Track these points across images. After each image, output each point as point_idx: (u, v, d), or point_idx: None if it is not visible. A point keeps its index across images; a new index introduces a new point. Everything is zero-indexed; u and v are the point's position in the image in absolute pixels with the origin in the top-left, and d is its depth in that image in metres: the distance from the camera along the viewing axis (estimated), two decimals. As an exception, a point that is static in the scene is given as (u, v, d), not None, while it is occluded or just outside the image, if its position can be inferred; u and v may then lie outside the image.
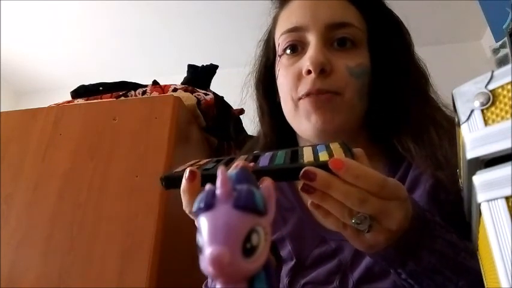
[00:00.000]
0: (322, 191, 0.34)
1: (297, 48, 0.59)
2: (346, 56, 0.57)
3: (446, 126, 0.55)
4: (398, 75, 0.60)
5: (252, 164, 0.36)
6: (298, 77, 0.57)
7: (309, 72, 0.55)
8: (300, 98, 0.57)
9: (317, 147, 0.39)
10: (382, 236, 0.37)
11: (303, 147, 0.40)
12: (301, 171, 0.33)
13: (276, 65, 0.63)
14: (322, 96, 0.54)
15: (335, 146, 0.38)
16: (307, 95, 0.55)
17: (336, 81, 0.55)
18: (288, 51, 0.60)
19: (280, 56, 0.61)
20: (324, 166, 0.33)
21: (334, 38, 0.57)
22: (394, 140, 0.58)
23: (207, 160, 0.42)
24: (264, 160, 0.37)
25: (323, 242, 0.57)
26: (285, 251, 0.59)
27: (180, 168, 0.39)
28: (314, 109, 0.55)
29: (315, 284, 0.56)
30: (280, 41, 0.61)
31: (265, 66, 0.68)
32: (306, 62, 0.55)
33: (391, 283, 0.49)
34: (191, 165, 0.41)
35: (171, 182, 0.38)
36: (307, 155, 0.37)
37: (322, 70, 0.54)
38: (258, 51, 0.71)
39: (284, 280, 0.57)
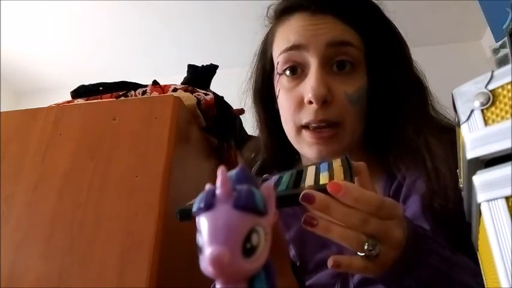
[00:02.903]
0: (325, 222, 0.35)
1: (296, 70, 0.59)
2: (346, 82, 0.57)
3: (441, 155, 0.54)
4: (394, 94, 0.60)
5: None
6: (300, 104, 0.58)
7: (310, 102, 0.56)
8: (302, 126, 0.58)
9: (320, 166, 0.40)
10: (390, 257, 0.37)
11: (307, 166, 0.41)
12: (301, 195, 0.34)
13: (275, 82, 0.64)
14: (324, 133, 0.56)
15: (337, 165, 0.38)
16: (309, 125, 0.57)
17: (336, 110, 0.56)
18: (288, 72, 0.60)
19: (279, 75, 0.62)
20: (323, 190, 0.34)
21: (334, 61, 0.57)
22: (389, 160, 0.59)
23: None
24: None
25: (325, 247, 0.58)
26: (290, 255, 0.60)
27: (192, 202, 0.41)
28: (316, 143, 0.57)
29: (317, 286, 0.57)
30: (280, 60, 0.61)
31: (263, 77, 0.69)
32: (307, 92, 0.56)
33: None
34: None
35: (186, 214, 0.39)
36: (309, 177, 0.38)
37: (324, 101, 0.55)
38: (254, 62, 0.71)
39: None
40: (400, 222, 0.37)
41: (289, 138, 0.63)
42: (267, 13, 0.68)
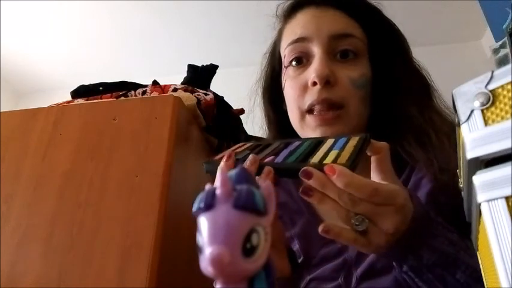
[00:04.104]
0: (319, 194, 0.37)
1: (302, 60, 0.62)
2: (349, 67, 0.59)
3: (446, 130, 0.56)
4: (397, 82, 0.62)
5: (268, 159, 0.41)
6: (304, 88, 0.60)
7: (314, 84, 0.58)
8: (307, 111, 0.60)
9: (338, 141, 0.42)
10: (381, 238, 0.39)
11: (328, 138, 0.44)
12: (300, 170, 0.37)
13: (282, 76, 0.66)
14: (328, 115, 0.57)
15: (351, 144, 0.41)
16: (314, 106, 0.58)
17: (339, 92, 0.58)
18: (294, 62, 0.62)
19: (286, 68, 0.64)
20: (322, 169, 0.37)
21: (337, 50, 0.60)
22: (395, 145, 0.59)
23: (248, 145, 0.48)
24: (284, 153, 0.42)
25: (329, 242, 0.60)
26: (293, 249, 0.62)
27: (219, 155, 0.47)
28: (319, 125, 0.58)
29: (320, 280, 0.59)
30: (286, 53, 0.63)
31: (272, 76, 0.71)
32: (311, 74, 0.58)
33: (392, 279, 0.51)
34: (233, 149, 0.48)
35: (211, 165, 0.44)
36: (320, 152, 0.41)
37: (327, 82, 0.57)
38: (264, 63, 0.74)
39: None
40: (397, 209, 0.38)
41: (294, 127, 0.64)
42: (276, 13, 0.71)
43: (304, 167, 0.37)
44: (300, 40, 0.61)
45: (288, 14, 0.67)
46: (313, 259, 0.60)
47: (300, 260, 0.61)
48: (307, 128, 0.60)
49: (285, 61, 0.64)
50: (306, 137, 0.46)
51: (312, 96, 0.58)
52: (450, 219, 0.49)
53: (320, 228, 0.38)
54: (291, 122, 0.65)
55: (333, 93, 0.58)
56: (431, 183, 0.55)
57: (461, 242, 0.43)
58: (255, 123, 0.79)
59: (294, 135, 0.65)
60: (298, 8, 0.65)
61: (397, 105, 0.61)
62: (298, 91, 0.60)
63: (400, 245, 0.39)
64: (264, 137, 0.77)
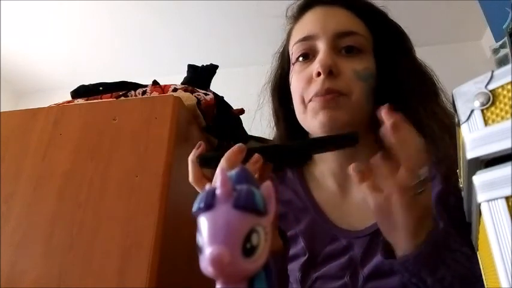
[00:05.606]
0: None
1: (308, 56, 0.64)
2: (353, 61, 0.61)
3: (448, 122, 0.57)
4: (401, 79, 0.63)
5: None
6: (309, 80, 0.61)
7: (318, 74, 0.59)
8: (310, 100, 0.61)
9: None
10: (430, 198, 0.43)
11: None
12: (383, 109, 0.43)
13: (290, 73, 0.68)
14: (328, 96, 0.58)
15: None
16: (316, 95, 0.59)
17: (343, 82, 0.59)
18: (301, 58, 0.64)
19: (293, 64, 0.66)
20: None
21: (342, 46, 0.61)
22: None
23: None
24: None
25: (334, 240, 0.61)
26: (298, 247, 0.63)
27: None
28: (320, 108, 0.59)
29: (326, 278, 0.59)
30: (293, 50, 0.66)
31: (281, 75, 0.73)
32: (315, 65, 0.60)
33: (399, 280, 0.51)
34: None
35: (206, 161, 0.45)
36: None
37: (330, 72, 0.58)
38: (274, 63, 0.76)
39: (297, 274, 0.61)
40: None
41: (298, 119, 0.65)
42: (285, 14, 0.73)
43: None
44: (307, 38, 0.63)
45: (297, 14, 0.70)
46: (318, 256, 0.61)
47: (305, 258, 0.61)
48: (309, 115, 0.61)
49: (293, 58, 0.66)
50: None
51: (315, 86, 0.59)
52: (460, 220, 0.50)
53: (351, 167, 0.42)
54: (297, 117, 0.66)
55: (336, 83, 0.59)
56: (441, 185, 0.56)
57: (474, 255, 0.44)
58: (263, 119, 0.80)
59: (301, 132, 0.66)
60: (307, 8, 0.68)
61: (400, 102, 0.62)
62: (303, 83, 0.62)
63: (428, 249, 0.40)
64: (271, 135, 0.78)
